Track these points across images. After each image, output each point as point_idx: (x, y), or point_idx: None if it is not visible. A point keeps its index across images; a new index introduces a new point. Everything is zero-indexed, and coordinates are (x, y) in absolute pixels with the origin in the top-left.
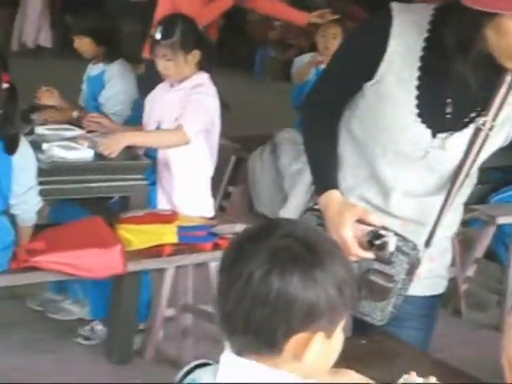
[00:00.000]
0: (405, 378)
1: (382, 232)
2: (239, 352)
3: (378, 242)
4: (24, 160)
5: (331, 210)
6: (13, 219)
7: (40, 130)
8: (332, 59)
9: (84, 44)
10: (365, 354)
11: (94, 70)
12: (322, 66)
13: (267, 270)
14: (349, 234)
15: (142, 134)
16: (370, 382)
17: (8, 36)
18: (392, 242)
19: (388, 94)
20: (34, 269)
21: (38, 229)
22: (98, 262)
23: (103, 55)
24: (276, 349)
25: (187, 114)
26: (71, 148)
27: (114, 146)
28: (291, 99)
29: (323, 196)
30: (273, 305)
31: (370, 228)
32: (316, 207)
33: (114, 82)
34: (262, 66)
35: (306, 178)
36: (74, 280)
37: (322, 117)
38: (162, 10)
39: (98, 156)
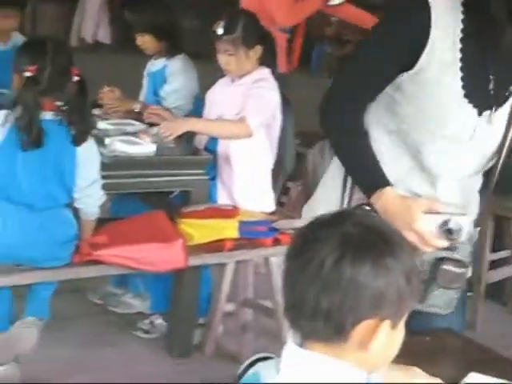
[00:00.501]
0: (470, 376)
1: (453, 217)
2: (304, 339)
3: (455, 228)
4: (88, 154)
5: (393, 207)
6: (76, 213)
7: (102, 124)
8: (359, 52)
9: (146, 41)
10: (427, 350)
11: (155, 65)
12: None
13: (339, 256)
14: (424, 227)
15: (205, 121)
16: (436, 379)
17: (67, 32)
18: (465, 224)
19: (433, 81)
20: (96, 262)
21: (101, 223)
22: (160, 256)
23: (165, 51)
24: (343, 336)
25: (249, 108)
26: (133, 143)
27: (174, 128)
28: None
29: (376, 195)
30: (343, 290)
31: (440, 216)
32: (365, 205)
33: (176, 77)
34: (318, 62)
35: None
36: (134, 274)
37: (350, 115)
38: (246, 6)
39: (160, 150)
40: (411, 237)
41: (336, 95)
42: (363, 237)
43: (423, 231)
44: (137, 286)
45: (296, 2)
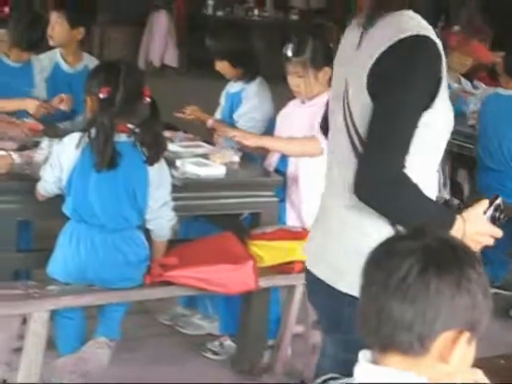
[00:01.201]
0: None
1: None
2: (382, 351)
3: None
4: (160, 176)
5: (467, 224)
6: (147, 234)
7: (173, 146)
8: (395, 110)
9: (224, 66)
10: (503, 370)
11: (233, 87)
12: (470, 98)
13: (423, 268)
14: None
15: (276, 138)
16: None
17: (135, 55)
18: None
19: (443, 109)
20: (167, 283)
21: (171, 244)
22: (230, 278)
23: (242, 75)
24: (424, 347)
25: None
26: (204, 165)
27: (247, 137)
28: None
29: (456, 226)
30: (427, 302)
31: (490, 208)
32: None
33: (250, 100)
34: None
35: None
36: (204, 295)
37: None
38: None
39: (230, 173)
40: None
41: (389, 158)
42: (445, 250)
43: (490, 228)
44: (206, 307)
45: None
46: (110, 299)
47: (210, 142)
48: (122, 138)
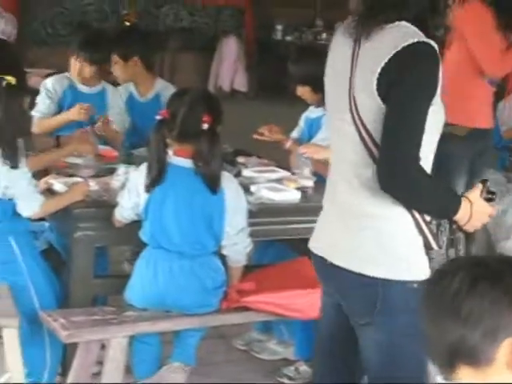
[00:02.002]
0: None
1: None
2: (451, 368)
3: (493, 196)
4: (236, 202)
5: (476, 203)
6: (223, 260)
7: (247, 172)
8: (417, 112)
9: (306, 92)
10: None
11: (314, 112)
12: None
13: (473, 281)
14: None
15: None
16: None
17: (205, 80)
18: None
19: (438, 101)
20: (244, 309)
21: (246, 269)
22: (307, 303)
23: (323, 101)
24: (490, 358)
25: None
26: (278, 189)
27: (317, 150)
28: (494, 140)
29: (463, 206)
30: (485, 312)
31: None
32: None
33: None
34: None
35: (510, 218)
36: (279, 320)
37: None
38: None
39: (305, 197)
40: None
41: (405, 150)
42: (495, 262)
43: (488, 207)
44: (281, 332)
45: (508, 51)
46: (187, 325)
47: (283, 167)
48: (184, 163)
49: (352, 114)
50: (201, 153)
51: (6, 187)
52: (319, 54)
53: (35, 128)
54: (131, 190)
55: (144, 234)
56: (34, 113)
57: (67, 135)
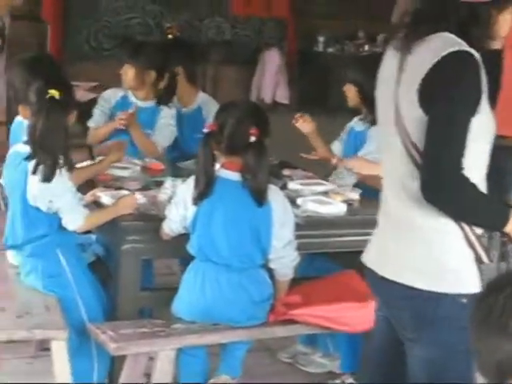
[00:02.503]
0: None
1: None
2: (502, 382)
3: None
4: (283, 215)
5: None
6: (271, 273)
7: (293, 185)
8: (458, 122)
9: (350, 91)
10: None
11: (360, 125)
12: None
13: None
14: None
15: None
16: None
17: (247, 93)
18: None
19: (486, 110)
20: (291, 322)
21: (292, 282)
22: (354, 316)
23: (365, 114)
24: None
25: None
26: (325, 202)
27: (367, 165)
28: None
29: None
30: None
31: None
32: None
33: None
34: None
35: None
36: (325, 333)
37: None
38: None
39: (351, 210)
40: None
41: (447, 161)
42: None
43: None
44: (326, 345)
45: None
46: (234, 337)
47: (327, 179)
48: (232, 176)
49: (397, 125)
50: (248, 166)
51: (50, 201)
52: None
53: (90, 138)
54: (179, 203)
55: (192, 247)
56: (89, 124)
57: (102, 146)
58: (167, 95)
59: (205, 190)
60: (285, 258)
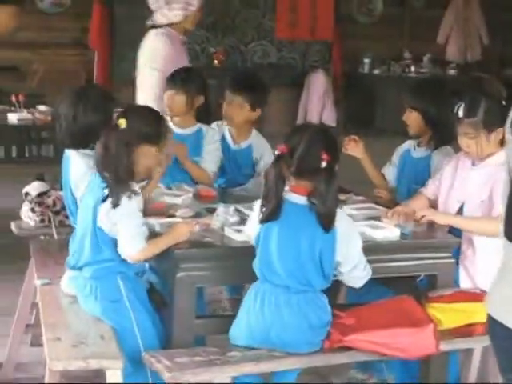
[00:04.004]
0: None
1: None
2: None
3: None
4: (349, 238)
5: None
6: (329, 298)
7: (346, 209)
8: None
9: (412, 118)
10: None
11: (419, 151)
12: None
13: None
14: None
15: (469, 219)
16: None
17: (294, 115)
18: None
19: None
20: (346, 348)
21: (346, 307)
22: (410, 342)
23: (430, 139)
24: None
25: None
26: (378, 227)
27: (441, 216)
28: None
29: None
30: None
31: None
32: None
33: (439, 169)
34: None
35: None
36: (380, 358)
37: None
38: None
39: (405, 235)
40: None
41: None
42: None
43: None
44: (381, 370)
45: None
46: (290, 365)
47: (381, 204)
48: (299, 200)
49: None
50: (318, 190)
51: (113, 224)
52: (443, 88)
53: None
54: (252, 220)
55: (255, 267)
56: None
57: None
58: (206, 114)
59: (272, 211)
60: (354, 278)
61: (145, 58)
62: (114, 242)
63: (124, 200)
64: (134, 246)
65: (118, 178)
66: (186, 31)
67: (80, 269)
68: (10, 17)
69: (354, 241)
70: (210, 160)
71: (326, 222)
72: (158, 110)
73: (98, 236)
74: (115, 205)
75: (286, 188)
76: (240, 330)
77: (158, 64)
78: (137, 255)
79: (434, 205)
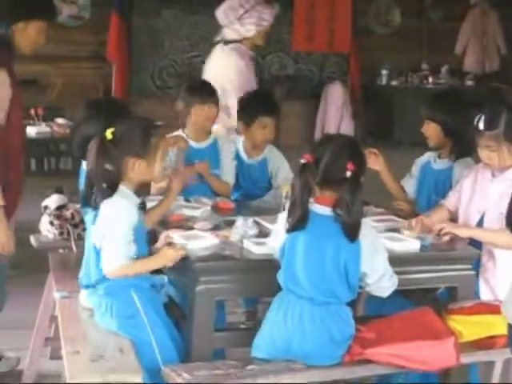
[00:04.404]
0: None
1: None
2: None
3: None
4: (374, 248)
5: None
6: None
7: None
8: None
9: (431, 130)
10: None
11: (438, 163)
12: None
13: None
14: None
15: (489, 231)
16: None
17: (312, 127)
18: None
19: None
20: (366, 361)
21: (367, 320)
22: (431, 354)
23: (451, 150)
24: None
25: None
26: (398, 239)
27: (462, 229)
28: None
29: None
30: None
31: None
32: None
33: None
34: None
35: None
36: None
37: None
38: None
39: (425, 247)
40: None
41: None
42: None
43: None
44: (398, 380)
45: None
46: (309, 378)
47: (399, 216)
48: (323, 210)
49: None
50: (343, 201)
51: (103, 236)
52: (462, 99)
53: (152, 189)
54: (277, 232)
55: (279, 278)
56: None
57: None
58: None
59: (299, 220)
60: (382, 288)
61: (218, 73)
62: None
63: (103, 205)
64: (115, 263)
65: (102, 190)
66: (256, 46)
67: (94, 286)
68: (39, 33)
69: (379, 251)
70: (228, 174)
71: (351, 233)
72: (155, 123)
73: (98, 253)
74: (95, 207)
75: (312, 199)
76: (262, 341)
77: (233, 78)
78: (114, 271)
79: (454, 217)
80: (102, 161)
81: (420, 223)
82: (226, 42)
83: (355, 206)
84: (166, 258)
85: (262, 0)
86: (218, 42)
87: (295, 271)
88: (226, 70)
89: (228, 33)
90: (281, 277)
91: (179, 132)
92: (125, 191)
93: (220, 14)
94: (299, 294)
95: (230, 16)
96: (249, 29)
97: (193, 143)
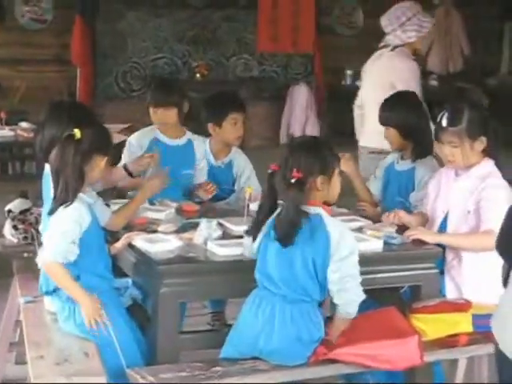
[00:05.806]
0: None
1: None
2: None
3: None
4: (340, 245)
5: None
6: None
7: None
8: None
9: (391, 134)
10: None
11: (402, 165)
12: None
13: None
14: None
15: (456, 236)
16: None
17: (276, 129)
18: None
19: None
20: (332, 361)
21: (329, 320)
22: (395, 353)
23: (411, 151)
24: None
25: (491, 215)
26: (361, 239)
27: (429, 234)
28: None
29: None
30: None
31: None
32: None
33: (425, 182)
34: None
35: None
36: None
37: None
38: None
39: (387, 246)
40: None
41: None
42: None
43: None
44: (366, 380)
45: None
46: (274, 379)
47: (364, 216)
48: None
49: None
50: (283, 206)
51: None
52: (413, 101)
53: (121, 183)
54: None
55: (255, 275)
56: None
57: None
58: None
59: (262, 222)
60: (348, 291)
61: (389, 73)
62: (79, 260)
63: (60, 208)
64: (47, 257)
65: (67, 187)
66: (416, 51)
67: (54, 292)
68: None
69: (345, 248)
70: (203, 174)
71: (283, 239)
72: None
73: None
74: (51, 212)
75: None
76: (234, 334)
77: (408, 77)
78: (46, 266)
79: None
80: (69, 158)
81: (397, 217)
82: (394, 47)
83: (290, 211)
84: (87, 305)
85: (421, 9)
86: (382, 48)
87: (268, 269)
88: (398, 71)
89: (391, 39)
90: (255, 273)
91: (152, 128)
92: (82, 198)
93: (385, 21)
94: (273, 291)
95: (394, 23)
96: (410, 35)
97: (166, 140)
